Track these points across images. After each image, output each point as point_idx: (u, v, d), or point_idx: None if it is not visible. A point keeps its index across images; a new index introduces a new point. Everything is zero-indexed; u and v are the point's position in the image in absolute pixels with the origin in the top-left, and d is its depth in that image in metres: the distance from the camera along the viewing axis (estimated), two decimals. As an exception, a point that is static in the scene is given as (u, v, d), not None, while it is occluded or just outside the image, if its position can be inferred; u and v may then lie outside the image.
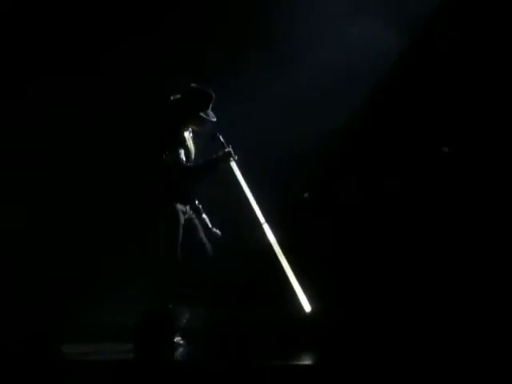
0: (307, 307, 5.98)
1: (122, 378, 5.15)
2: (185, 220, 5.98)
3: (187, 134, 6.07)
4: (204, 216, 6.12)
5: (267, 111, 7.19)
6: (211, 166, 6.03)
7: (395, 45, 7.25)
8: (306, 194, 7.44)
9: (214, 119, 6.01)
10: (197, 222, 6.06)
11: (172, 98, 6.05)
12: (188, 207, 6.02)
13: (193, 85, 6.03)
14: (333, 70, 7.12)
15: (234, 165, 6.01)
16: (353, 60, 7.18)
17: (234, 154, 5.99)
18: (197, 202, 6.11)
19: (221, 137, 6.05)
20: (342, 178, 7.44)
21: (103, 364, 5.32)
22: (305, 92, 7.22)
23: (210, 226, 6.10)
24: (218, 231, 6.09)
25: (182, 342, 5.89)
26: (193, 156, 6.08)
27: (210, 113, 6.01)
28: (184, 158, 5.95)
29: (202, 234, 6.04)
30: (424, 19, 7.28)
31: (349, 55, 7.18)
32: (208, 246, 6.01)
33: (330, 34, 7.24)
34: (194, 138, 6.14)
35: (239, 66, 7.30)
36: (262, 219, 6.07)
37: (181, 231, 5.91)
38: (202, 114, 5.97)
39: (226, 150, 6.00)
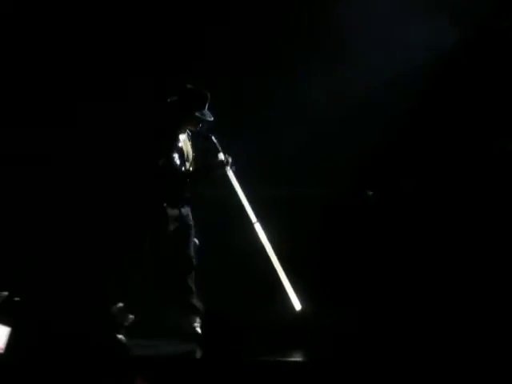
0: (298, 306, 6.05)
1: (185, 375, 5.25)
2: (180, 225, 6.06)
3: (184, 136, 6.13)
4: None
5: (322, 110, 7.33)
6: (207, 172, 6.12)
7: (452, 44, 7.33)
8: (370, 192, 7.49)
9: (211, 118, 6.07)
10: (190, 231, 6.13)
11: (168, 99, 6.11)
12: (181, 211, 6.07)
13: (188, 86, 6.10)
14: (388, 69, 7.25)
15: (229, 171, 6.07)
16: (408, 59, 7.28)
17: (231, 162, 6.05)
18: (188, 208, 6.14)
19: (214, 138, 6.11)
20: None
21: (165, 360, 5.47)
22: (360, 91, 7.34)
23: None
24: (196, 240, 6.14)
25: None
26: (190, 157, 6.15)
27: (207, 112, 6.07)
28: (178, 161, 6.02)
29: (190, 246, 6.12)
30: (484, 17, 7.34)
31: (404, 54, 7.28)
32: (192, 259, 6.09)
33: (385, 34, 7.33)
34: (193, 139, 6.21)
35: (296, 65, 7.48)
36: (253, 218, 6.14)
37: (168, 235, 6.00)
38: (197, 114, 6.03)
39: (223, 158, 6.04)
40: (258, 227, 6.15)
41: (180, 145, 6.09)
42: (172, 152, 6.00)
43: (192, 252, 6.09)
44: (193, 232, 6.13)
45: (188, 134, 6.18)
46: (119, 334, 5.92)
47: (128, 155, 6.92)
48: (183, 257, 6.07)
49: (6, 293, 6.14)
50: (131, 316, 6.00)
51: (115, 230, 7.05)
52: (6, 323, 5.31)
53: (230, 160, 6.05)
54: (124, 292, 6.04)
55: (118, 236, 6.96)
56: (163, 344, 5.95)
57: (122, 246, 6.78)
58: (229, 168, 6.06)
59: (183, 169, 6.09)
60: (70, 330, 5.69)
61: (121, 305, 6.01)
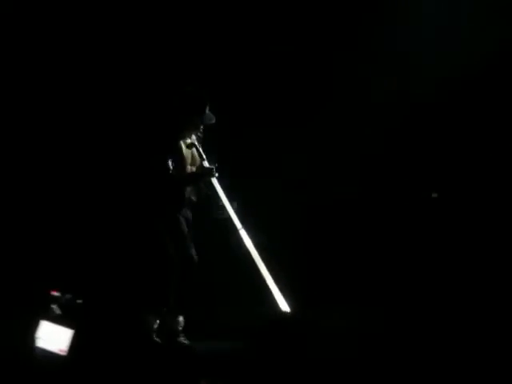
0: (286, 308, 5.97)
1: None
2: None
3: (189, 140, 6.09)
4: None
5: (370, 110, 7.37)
6: (195, 179, 6.13)
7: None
8: (434, 194, 7.40)
9: (212, 121, 6.06)
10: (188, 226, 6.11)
11: (170, 103, 6.12)
12: (185, 209, 6.08)
13: (188, 88, 6.09)
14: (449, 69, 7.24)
15: (214, 180, 6.07)
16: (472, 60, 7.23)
17: (215, 171, 6.01)
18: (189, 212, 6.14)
19: (200, 149, 6.09)
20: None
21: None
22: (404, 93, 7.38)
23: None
24: (240, 225, 6.08)
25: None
26: (197, 161, 6.14)
27: (209, 115, 6.04)
28: (171, 165, 5.95)
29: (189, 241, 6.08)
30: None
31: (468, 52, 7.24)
32: (192, 259, 6.03)
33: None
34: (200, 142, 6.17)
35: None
36: (238, 225, 6.11)
37: (184, 229, 6.00)
38: (196, 118, 6.02)
39: (210, 166, 6.04)
40: (243, 234, 6.11)
41: (183, 148, 6.07)
42: (166, 155, 5.95)
43: (193, 253, 6.02)
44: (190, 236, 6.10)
45: (198, 138, 6.15)
46: (179, 337, 5.92)
47: (128, 157, 7.01)
48: (183, 258, 6.01)
49: (69, 295, 6.21)
50: (181, 319, 5.98)
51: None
52: (69, 326, 5.36)
53: (214, 168, 6.04)
54: (167, 296, 5.99)
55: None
56: (225, 345, 5.92)
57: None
58: (214, 176, 6.06)
59: (179, 172, 6.02)
60: (132, 333, 5.74)
61: (165, 309, 5.97)
